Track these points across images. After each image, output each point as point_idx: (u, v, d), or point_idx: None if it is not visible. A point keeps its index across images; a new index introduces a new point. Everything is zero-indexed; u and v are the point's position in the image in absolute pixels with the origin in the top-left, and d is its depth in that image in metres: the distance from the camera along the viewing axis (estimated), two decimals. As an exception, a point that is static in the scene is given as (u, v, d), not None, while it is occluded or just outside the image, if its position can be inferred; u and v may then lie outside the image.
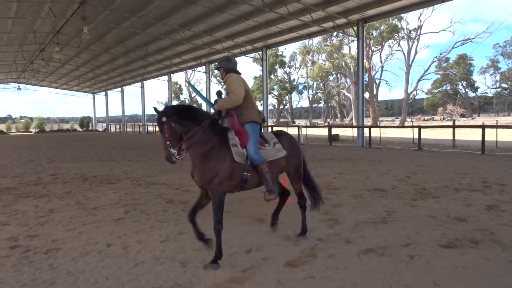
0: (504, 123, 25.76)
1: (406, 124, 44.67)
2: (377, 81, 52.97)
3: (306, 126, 27.97)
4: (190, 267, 3.91)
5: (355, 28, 20.18)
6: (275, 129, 27.59)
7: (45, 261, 4.11)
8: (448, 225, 5.17)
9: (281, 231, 5.01)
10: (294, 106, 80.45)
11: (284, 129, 31.52)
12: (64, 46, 29.20)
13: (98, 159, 14.66)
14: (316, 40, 56.41)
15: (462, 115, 61.54)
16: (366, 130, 20.16)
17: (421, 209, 6.10)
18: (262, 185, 4.36)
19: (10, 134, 50.78)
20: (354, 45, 53.52)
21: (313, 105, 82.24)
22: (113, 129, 57.26)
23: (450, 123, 23.36)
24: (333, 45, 53.65)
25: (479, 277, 3.59)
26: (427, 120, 63.69)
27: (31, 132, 54.42)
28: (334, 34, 48.28)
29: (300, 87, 76.36)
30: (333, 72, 61.52)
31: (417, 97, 60.97)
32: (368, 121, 40.98)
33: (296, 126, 29.90)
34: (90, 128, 59.62)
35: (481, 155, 14.26)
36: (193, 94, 73.19)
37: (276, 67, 70.05)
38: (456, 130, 18.67)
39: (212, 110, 4.61)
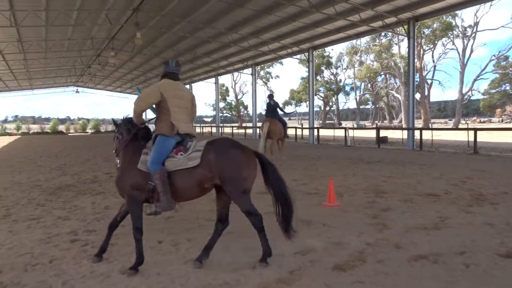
0: None
1: (460, 126, 42.56)
2: (429, 81, 50.98)
3: (353, 128, 27.42)
4: (238, 266, 3.98)
5: (405, 26, 19.53)
6: (321, 131, 27.38)
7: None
8: (507, 234, 4.88)
9: (329, 234, 4.97)
10: (340, 108, 79.20)
11: (331, 130, 31.26)
12: (119, 51, 30.64)
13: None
14: (364, 40, 55.29)
15: (523, 117, 57.67)
16: (416, 132, 19.44)
17: (477, 216, 5.81)
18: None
19: (69, 134, 53.93)
20: (404, 44, 52.05)
21: (361, 107, 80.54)
22: (162, 130, 58.97)
23: (510, 125, 21.98)
24: (382, 44, 52.26)
25: (542, 289, 3.38)
26: (484, 122, 60.26)
27: (87, 132, 57.44)
28: (383, 33, 47.03)
29: (347, 88, 75.03)
30: (382, 73, 59.89)
31: (472, 97, 57.80)
32: (419, 123, 39.50)
33: (342, 127, 29.42)
34: (141, 129, 61.87)
35: (544, 159, 13.32)
36: (239, 96, 74.10)
37: (323, 68, 69.28)
38: (516, 132, 17.56)
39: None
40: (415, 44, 21.24)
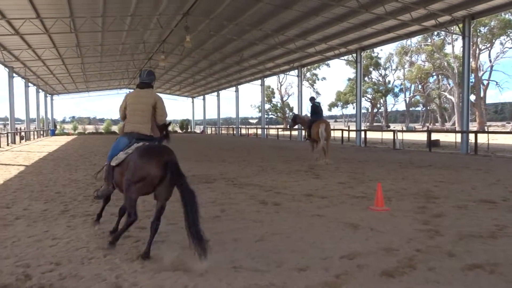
0: None
1: (520, 129, 39.92)
2: (485, 82, 48.29)
3: (402, 131, 26.54)
4: (284, 268, 3.97)
5: (460, 25, 18.65)
6: (368, 133, 26.75)
7: (151, 252, 4.45)
8: None
9: (377, 239, 4.85)
10: (389, 110, 76.87)
11: (378, 133, 30.42)
12: (169, 54, 31.69)
13: (196, 159, 15.59)
14: (415, 39, 53.38)
15: None
16: (471, 136, 18.47)
17: (540, 225, 5.43)
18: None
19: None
20: (458, 44, 49.59)
21: (410, 109, 77.75)
22: (209, 131, 60.42)
23: None
24: (434, 44, 50.23)
25: None
26: (547, 125, 56.14)
27: (138, 133, 59.62)
28: (436, 32, 45.17)
29: (396, 89, 72.80)
30: (434, 73, 57.57)
31: (534, 99, 54.09)
32: (473, 126, 37.54)
33: (391, 130, 28.56)
34: (188, 130, 63.59)
35: None
36: (285, 98, 74.04)
37: (371, 69, 67.71)
38: None
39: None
40: (471, 43, 20.21)
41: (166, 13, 21.27)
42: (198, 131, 63.13)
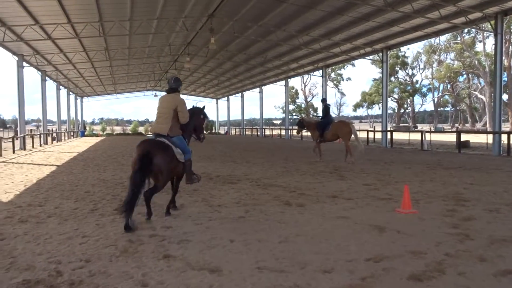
0: None
1: (556, 130, 38.28)
2: (518, 81, 46.45)
3: (430, 132, 25.91)
4: (308, 269, 3.95)
5: (492, 22, 18.06)
6: (394, 134, 26.25)
7: (177, 251, 4.55)
8: None
9: (404, 242, 4.76)
10: (416, 110, 75.29)
11: (405, 134, 29.80)
12: (194, 56, 32.08)
13: (220, 160, 15.70)
14: (444, 38, 52.14)
15: None
16: (504, 137, 17.84)
17: None
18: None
19: (148, 135, 57.43)
20: (490, 41, 48.07)
21: (439, 109, 75.88)
22: (233, 132, 60.72)
23: None
24: (464, 42, 48.86)
25: None
26: None
27: (163, 134, 60.62)
28: (466, 30, 43.91)
29: (424, 89, 71.22)
30: (464, 72, 56.00)
31: None
32: (506, 127, 36.28)
33: (418, 131, 27.93)
34: (213, 131, 64.14)
35: None
36: (309, 98, 73.59)
37: (397, 68, 66.50)
38: None
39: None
40: (503, 40, 19.52)
41: (191, 15, 21.54)
42: (222, 132, 63.58)
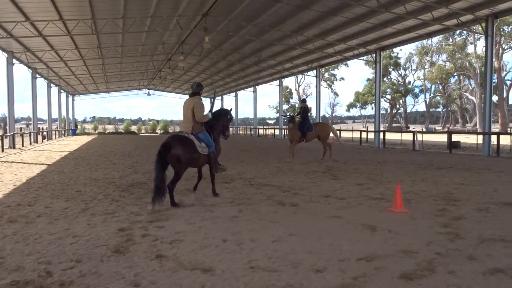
0: None
1: (545, 131, 38.73)
2: (508, 82, 47.09)
3: (422, 132, 26.09)
4: (301, 269, 3.96)
5: (483, 24, 18.23)
6: (387, 134, 26.39)
7: (169, 250, 4.53)
8: None
9: (395, 241, 4.79)
10: (408, 111, 75.78)
11: (397, 134, 29.98)
12: (187, 55, 31.96)
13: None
14: (436, 39, 52.54)
15: None
16: (493, 137, 18.03)
17: None
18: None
19: (140, 134, 57.17)
20: (480, 43, 48.49)
21: (430, 110, 76.46)
22: (226, 132, 60.43)
23: None
24: (456, 44, 49.26)
25: None
26: None
27: (157, 133, 60.48)
28: (457, 32, 44.29)
29: (416, 90, 71.71)
30: (455, 74, 56.43)
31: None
32: (495, 127, 36.64)
33: (410, 131, 28.12)
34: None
35: None
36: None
37: (390, 69, 66.85)
38: None
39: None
40: (494, 42, 19.70)
41: (185, 14, 21.46)
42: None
